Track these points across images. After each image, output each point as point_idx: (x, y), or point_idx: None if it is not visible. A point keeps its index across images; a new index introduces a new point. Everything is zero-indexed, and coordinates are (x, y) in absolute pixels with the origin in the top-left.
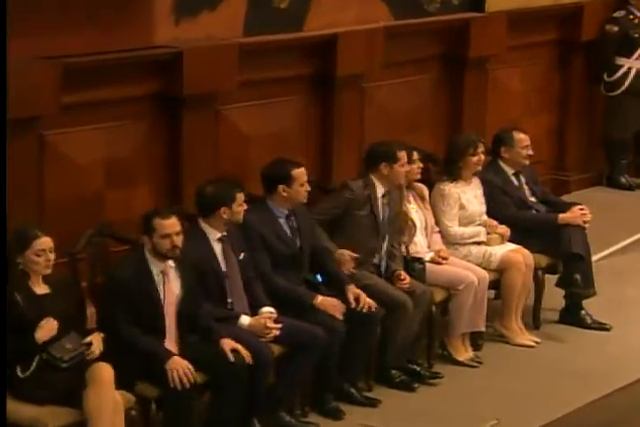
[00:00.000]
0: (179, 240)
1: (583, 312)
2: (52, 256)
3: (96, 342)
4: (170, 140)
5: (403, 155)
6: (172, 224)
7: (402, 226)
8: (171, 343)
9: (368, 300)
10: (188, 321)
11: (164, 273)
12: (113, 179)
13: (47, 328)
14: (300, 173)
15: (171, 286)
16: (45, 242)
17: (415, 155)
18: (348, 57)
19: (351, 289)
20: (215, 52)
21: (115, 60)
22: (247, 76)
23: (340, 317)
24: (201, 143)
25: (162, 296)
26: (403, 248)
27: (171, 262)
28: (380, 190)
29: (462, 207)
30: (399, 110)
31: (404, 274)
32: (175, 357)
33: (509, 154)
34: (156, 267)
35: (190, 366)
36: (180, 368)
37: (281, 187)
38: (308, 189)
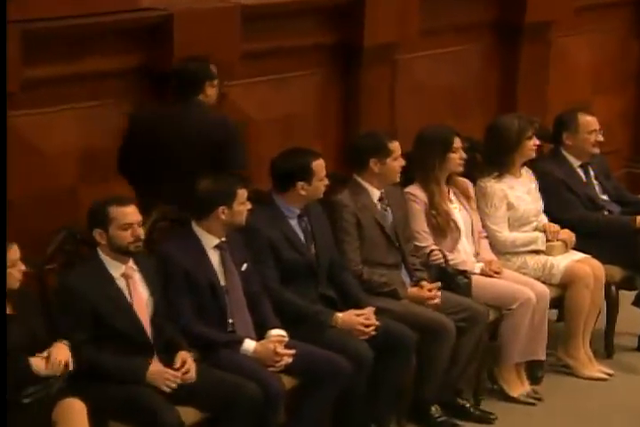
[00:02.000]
0: (141, 232)
1: None
2: (20, 268)
3: (60, 354)
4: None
5: (395, 146)
6: (132, 212)
7: (443, 228)
8: (157, 364)
9: (369, 329)
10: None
11: (126, 276)
12: (87, 171)
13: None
14: (320, 165)
15: (138, 293)
16: (13, 252)
17: (458, 142)
18: (377, 23)
19: (366, 312)
20: (212, 16)
21: (87, 25)
22: (251, 47)
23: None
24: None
25: (131, 304)
26: (437, 255)
27: (132, 264)
28: (374, 194)
29: (511, 207)
30: (439, 88)
31: (429, 284)
32: (153, 365)
33: (573, 141)
34: (115, 269)
35: (176, 374)
36: (165, 376)
37: (300, 184)
38: (327, 183)
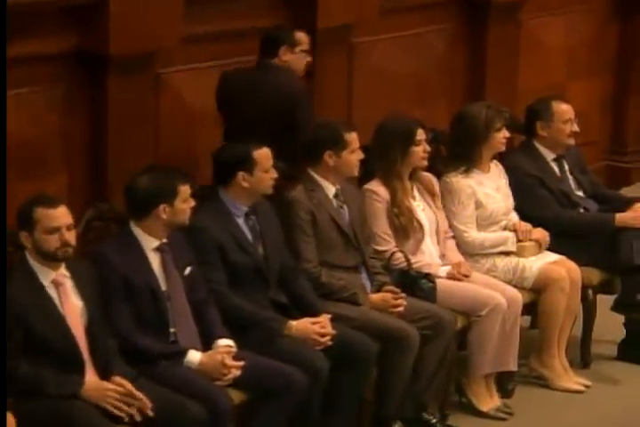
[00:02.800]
0: (71, 237)
1: None
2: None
3: None
4: (92, 114)
5: (353, 137)
6: (60, 215)
7: (406, 228)
8: (93, 379)
9: (325, 339)
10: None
11: (56, 283)
12: (23, 167)
13: None
14: (263, 154)
15: (70, 302)
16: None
17: (421, 134)
18: (332, 2)
19: (322, 320)
20: None
21: (22, 5)
22: (194, 30)
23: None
24: (136, 119)
25: (63, 314)
26: (399, 258)
27: (64, 270)
28: (329, 190)
29: (479, 205)
30: (401, 74)
31: (394, 290)
32: (90, 381)
33: (547, 131)
34: (45, 276)
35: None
36: (104, 392)
37: (241, 174)
38: (274, 175)
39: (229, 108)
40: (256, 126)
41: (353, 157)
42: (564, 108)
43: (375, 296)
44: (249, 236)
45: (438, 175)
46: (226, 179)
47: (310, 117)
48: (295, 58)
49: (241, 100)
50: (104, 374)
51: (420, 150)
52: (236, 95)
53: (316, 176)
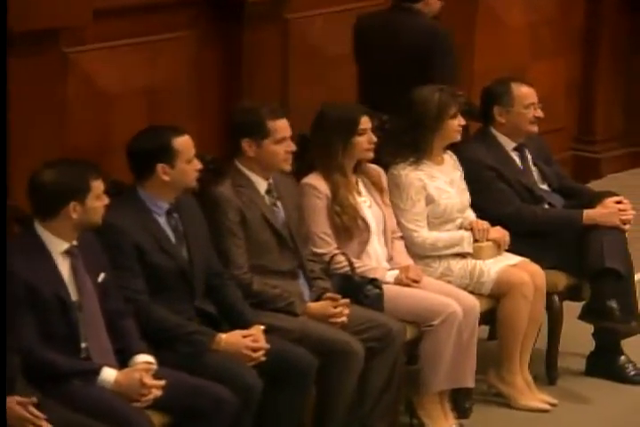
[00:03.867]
0: None
1: (623, 359)
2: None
3: None
4: None
5: (279, 125)
6: None
7: (349, 228)
8: None
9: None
10: None
11: None
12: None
13: None
14: (185, 143)
15: None
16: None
17: (366, 122)
18: None
19: (255, 332)
20: None
21: None
22: (106, 4)
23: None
24: (41, 105)
25: None
26: (341, 261)
27: None
28: (260, 185)
29: (431, 201)
30: (343, 54)
31: (336, 298)
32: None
33: (506, 117)
34: None
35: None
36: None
37: (160, 166)
38: (199, 166)
39: (366, 53)
40: (393, 75)
41: (278, 147)
42: (525, 91)
43: (314, 305)
44: (171, 237)
45: (386, 168)
46: (143, 172)
47: (452, 66)
48: (437, 3)
49: (378, 44)
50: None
51: (365, 141)
52: (373, 38)
53: (244, 169)
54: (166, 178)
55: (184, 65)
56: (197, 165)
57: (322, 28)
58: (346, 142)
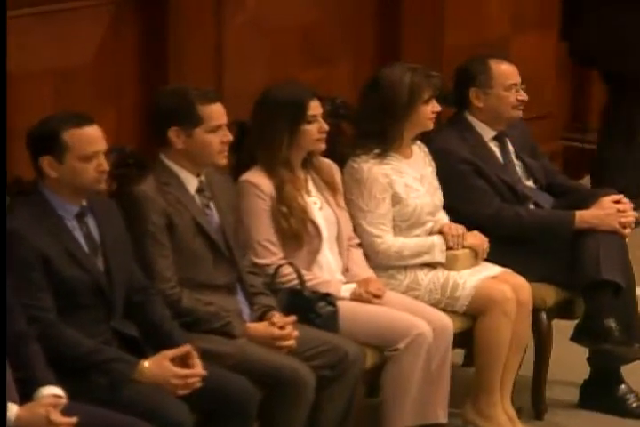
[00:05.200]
0: None
1: (623, 388)
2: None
3: None
4: None
5: (212, 111)
6: None
7: (298, 233)
8: None
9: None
10: None
11: None
12: None
13: None
14: (80, 136)
15: None
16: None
17: (316, 107)
18: None
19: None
20: None
21: None
22: None
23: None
24: None
25: None
26: (288, 274)
27: None
28: (190, 183)
29: (398, 201)
30: (288, 27)
31: (280, 317)
32: None
33: (484, 101)
34: None
35: None
36: None
37: (45, 159)
38: (105, 167)
39: None
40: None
41: (211, 137)
42: (506, 70)
43: (256, 326)
44: (84, 245)
45: (341, 162)
46: (35, 166)
47: None
48: None
49: None
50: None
51: (315, 129)
52: None
53: (170, 164)
54: (53, 174)
55: (97, 40)
56: (102, 164)
57: None
58: (292, 131)
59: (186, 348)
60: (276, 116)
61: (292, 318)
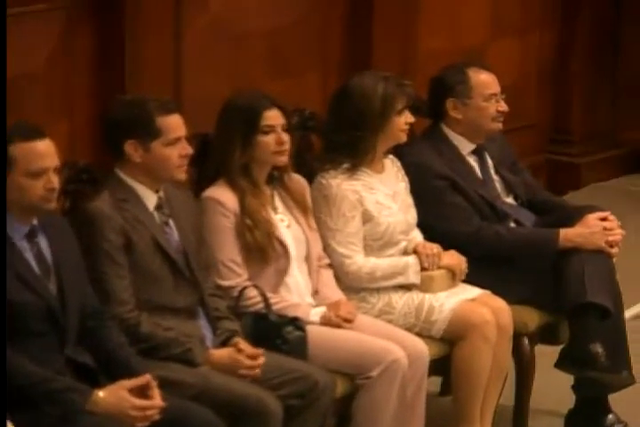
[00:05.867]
0: None
1: (610, 418)
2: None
3: None
4: None
5: (172, 123)
6: None
7: (264, 250)
8: None
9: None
10: None
11: None
12: None
13: None
14: (30, 149)
15: None
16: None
17: (275, 117)
18: None
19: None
20: None
21: None
22: None
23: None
24: None
25: None
26: (253, 296)
27: None
28: (148, 199)
29: (369, 219)
30: (252, 33)
31: (244, 343)
32: None
33: (463, 112)
34: None
35: None
36: None
37: None
38: (54, 185)
39: None
40: None
41: (170, 151)
42: (484, 79)
43: (219, 352)
44: (35, 267)
45: (310, 177)
46: None
47: None
48: None
49: None
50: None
51: (271, 141)
52: None
53: (127, 179)
54: (16, 195)
55: (47, 46)
56: (51, 182)
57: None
58: (245, 141)
59: (145, 378)
60: (230, 126)
61: (260, 351)
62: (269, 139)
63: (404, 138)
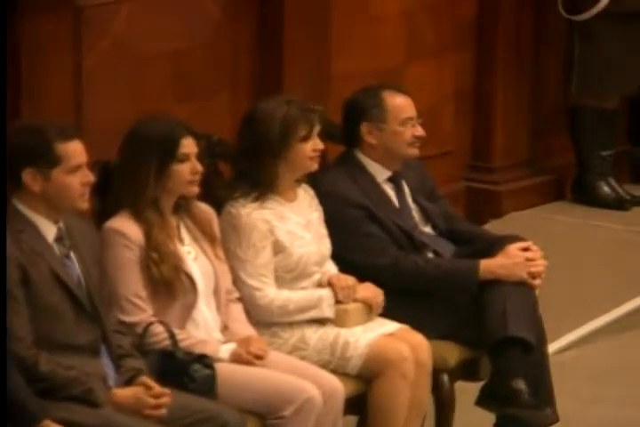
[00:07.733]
0: None
1: None
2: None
3: None
4: None
5: (71, 150)
6: None
7: (169, 284)
8: None
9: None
10: None
11: None
12: None
13: None
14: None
15: None
16: None
17: (189, 145)
18: None
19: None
20: None
21: None
22: None
23: None
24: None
25: None
26: (159, 333)
27: None
28: (47, 230)
29: (281, 249)
30: (159, 54)
31: (151, 381)
32: None
33: (378, 137)
34: None
35: None
36: None
37: None
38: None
39: None
40: None
41: (71, 179)
42: (401, 103)
43: (123, 392)
44: None
45: (218, 206)
46: None
47: None
48: None
49: None
50: None
51: (186, 170)
52: None
53: (24, 209)
54: None
55: None
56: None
57: (128, 18)
58: (160, 171)
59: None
60: (144, 154)
61: (167, 390)
62: (184, 168)
63: (312, 166)
